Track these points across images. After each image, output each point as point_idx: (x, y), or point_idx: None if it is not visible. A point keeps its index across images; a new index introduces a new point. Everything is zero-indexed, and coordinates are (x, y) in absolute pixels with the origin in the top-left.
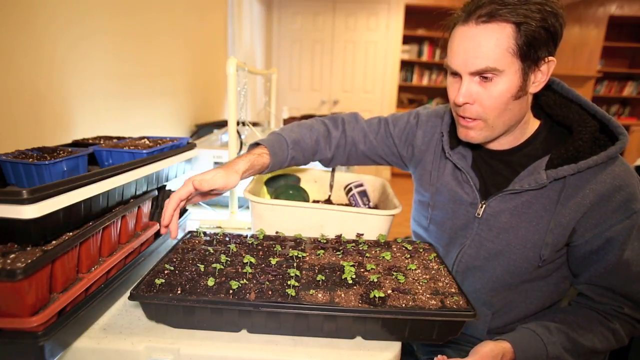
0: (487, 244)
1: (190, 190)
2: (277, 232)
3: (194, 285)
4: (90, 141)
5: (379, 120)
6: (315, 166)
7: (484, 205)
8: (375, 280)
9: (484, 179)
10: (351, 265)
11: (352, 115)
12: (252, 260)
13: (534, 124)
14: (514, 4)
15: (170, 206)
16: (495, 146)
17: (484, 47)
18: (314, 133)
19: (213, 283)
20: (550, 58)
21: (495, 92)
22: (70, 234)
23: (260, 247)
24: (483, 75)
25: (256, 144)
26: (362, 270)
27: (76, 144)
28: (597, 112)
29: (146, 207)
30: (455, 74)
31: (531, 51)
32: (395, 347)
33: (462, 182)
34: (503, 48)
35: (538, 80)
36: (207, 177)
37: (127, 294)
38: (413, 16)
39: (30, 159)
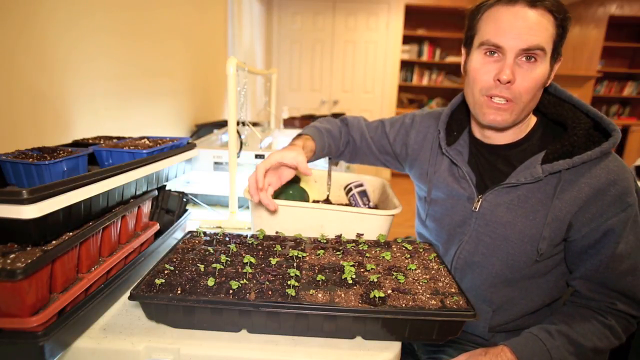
0: (485, 238)
1: (271, 163)
2: (277, 232)
3: (194, 285)
4: (90, 141)
5: (378, 122)
6: (316, 166)
7: (480, 200)
8: (375, 280)
9: (482, 174)
10: (351, 265)
11: (355, 117)
12: (252, 260)
13: (532, 121)
14: None
15: (259, 173)
16: (496, 140)
17: (538, 26)
18: (335, 127)
19: (213, 283)
20: (561, 57)
21: (535, 74)
22: (70, 234)
23: (260, 247)
24: (531, 54)
25: (297, 136)
26: (362, 270)
27: (76, 144)
28: (589, 110)
29: (146, 207)
30: (493, 53)
31: (559, 45)
32: (395, 347)
33: (458, 177)
34: (549, 33)
35: (551, 76)
36: (283, 153)
37: (127, 294)
38: (413, 16)
39: (30, 159)
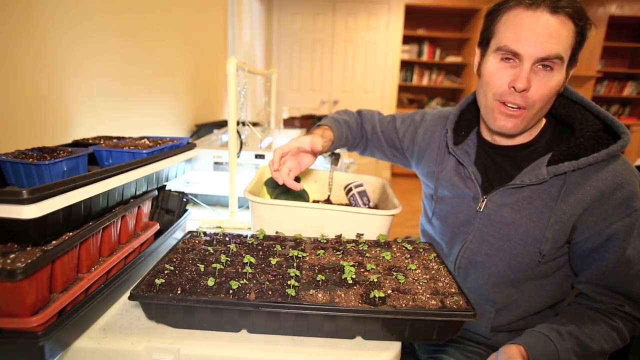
0: (488, 238)
1: (290, 148)
2: (277, 232)
3: (194, 285)
4: (90, 141)
5: (391, 116)
6: (316, 166)
7: (485, 200)
8: (375, 280)
9: (488, 175)
10: (351, 265)
11: (370, 111)
12: (252, 260)
13: (541, 123)
14: (575, 5)
15: (276, 155)
16: (505, 142)
17: (558, 35)
18: (352, 119)
19: (213, 283)
20: (577, 63)
21: (551, 82)
22: (70, 234)
23: (260, 247)
24: (548, 62)
25: (317, 126)
26: (362, 270)
27: (76, 144)
28: (600, 112)
29: (146, 207)
30: (508, 59)
31: (577, 52)
32: (395, 347)
33: (464, 177)
34: (569, 41)
35: (566, 81)
36: (301, 139)
37: (127, 294)
38: (413, 16)
39: (30, 159)
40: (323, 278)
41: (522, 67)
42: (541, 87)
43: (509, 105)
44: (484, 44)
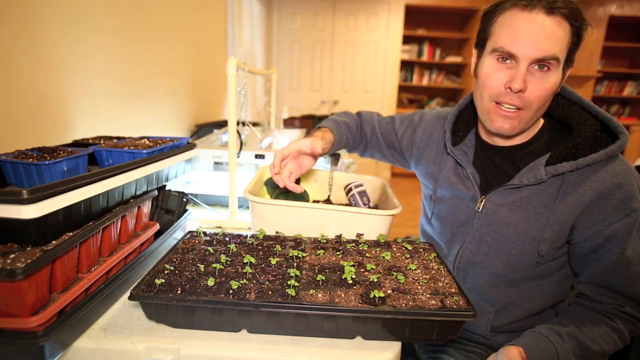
0: (487, 238)
1: (290, 151)
2: (277, 232)
3: (194, 285)
4: (90, 141)
5: (390, 117)
6: (316, 166)
7: (483, 200)
8: (375, 280)
9: (486, 175)
10: (351, 265)
11: (370, 112)
12: (252, 260)
13: (539, 123)
14: (571, 6)
15: (276, 159)
16: (503, 142)
17: (554, 36)
18: (352, 120)
19: (213, 283)
20: (573, 63)
21: (547, 83)
22: (70, 234)
23: (260, 247)
24: (544, 63)
25: (317, 128)
26: (362, 270)
27: (76, 144)
28: (598, 112)
29: (146, 207)
30: (505, 59)
31: (573, 53)
32: (395, 347)
33: (463, 177)
34: (565, 42)
35: (562, 82)
36: (301, 142)
37: (127, 294)
38: (413, 16)
39: (30, 159)
40: (323, 278)
41: (518, 68)
42: (537, 87)
43: (506, 106)
44: (481, 45)
